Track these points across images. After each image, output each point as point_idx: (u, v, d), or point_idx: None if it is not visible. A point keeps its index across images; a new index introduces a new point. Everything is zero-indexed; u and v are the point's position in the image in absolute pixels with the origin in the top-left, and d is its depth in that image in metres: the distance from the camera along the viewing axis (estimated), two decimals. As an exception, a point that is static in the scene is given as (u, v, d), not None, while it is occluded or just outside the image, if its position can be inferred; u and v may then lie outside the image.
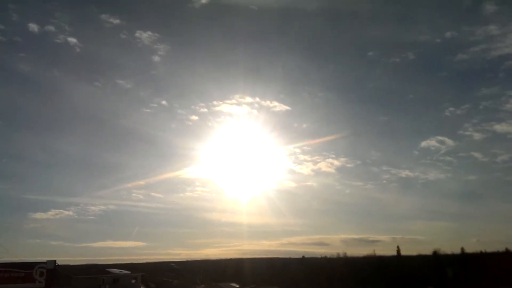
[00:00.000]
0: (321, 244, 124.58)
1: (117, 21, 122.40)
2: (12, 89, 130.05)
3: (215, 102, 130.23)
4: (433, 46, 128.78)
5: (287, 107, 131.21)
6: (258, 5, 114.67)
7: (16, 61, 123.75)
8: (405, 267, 69.96)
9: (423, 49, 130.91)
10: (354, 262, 77.78)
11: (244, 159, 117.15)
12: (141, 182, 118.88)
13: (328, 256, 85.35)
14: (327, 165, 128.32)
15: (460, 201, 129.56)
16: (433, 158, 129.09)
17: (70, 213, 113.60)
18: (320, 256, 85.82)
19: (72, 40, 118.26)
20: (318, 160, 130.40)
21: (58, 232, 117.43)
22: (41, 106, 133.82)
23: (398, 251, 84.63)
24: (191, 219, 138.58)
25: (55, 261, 44.47)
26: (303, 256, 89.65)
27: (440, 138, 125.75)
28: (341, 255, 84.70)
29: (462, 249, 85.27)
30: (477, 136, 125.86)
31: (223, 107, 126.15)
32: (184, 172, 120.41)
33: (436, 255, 79.54)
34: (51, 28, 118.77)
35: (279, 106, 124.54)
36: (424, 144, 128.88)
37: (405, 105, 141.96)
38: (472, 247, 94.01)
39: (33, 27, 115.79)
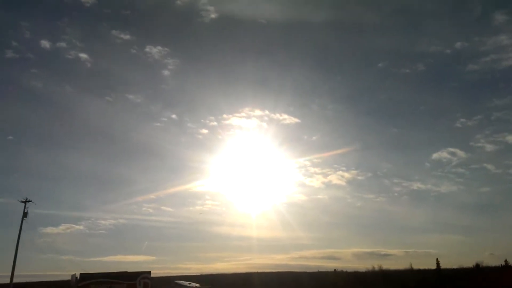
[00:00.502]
0: (332, 258, 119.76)
1: (127, 37, 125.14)
2: (24, 105, 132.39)
3: (224, 116, 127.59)
4: (443, 57, 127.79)
5: (296, 120, 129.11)
6: (266, 18, 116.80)
7: (28, 77, 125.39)
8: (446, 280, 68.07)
9: (433, 60, 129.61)
10: (390, 275, 76.00)
11: (254, 172, 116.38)
12: (152, 196, 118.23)
13: (360, 270, 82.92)
14: (338, 177, 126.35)
15: (473, 214, 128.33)
16: (445, 170, 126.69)
17: (81, 227, 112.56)
18: (332, 270, 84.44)
19: (83, 55, 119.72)
20: (329, 173, 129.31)
21: (69, 247, 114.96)
22: (53, 122, 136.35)
23: (438, 263, 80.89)
24: (201, 233, 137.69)
25: (150, 272, 42.48)
26: (335, 270, 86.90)
27: (451, 149, 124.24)
28: (376, 268, 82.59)
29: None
30: (489, 147, 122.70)
31: (233, 120, 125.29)
32: (194, 186, 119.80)
33: (479, 268, 77.07)
34: (62, 44, 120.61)
35: (288, 119, 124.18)
36: (435, 156, 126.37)
37: (416, 116, 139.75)
38: (486, 260, 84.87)
39: (45, 43, 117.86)
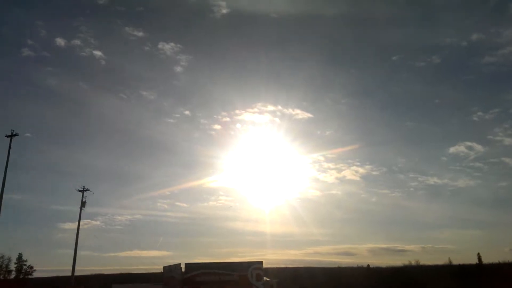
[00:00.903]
0: (347, 253, 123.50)
1: (140, 34, 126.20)
2: (40, 102, 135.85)
3: (237, 111, 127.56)
4: (459, 49, 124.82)
5: (309, 115, 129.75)
6: (278, 13, 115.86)
7: (44, 75, 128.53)
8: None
9: (448, 52, 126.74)
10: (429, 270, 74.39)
11: (267, 167, 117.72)
12: (166, 192, 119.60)
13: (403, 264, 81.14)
14: (352, 173, 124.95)
15: (491, 209, 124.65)
16: (462, 164, 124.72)
17: (98, 223, 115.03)
18: (346, 266, 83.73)
19: (98, 53, 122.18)
20: (343, 168, 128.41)
21: (86, 242, 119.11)
22: (68, 119, 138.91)
23: (479, 258, 79.92)
24: (214, 228, 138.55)
25: (262, 262, 38.77)
26: (368, 265, 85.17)
27: (469, 143, 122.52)
28: (416, 263, 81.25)
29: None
30: (508, 141, 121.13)
31: (245, 115, 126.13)
32: (208, 181, 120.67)
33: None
34: (77, 42, 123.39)
35: (301, 114, 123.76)
36: (452, 150, 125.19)
37: (431, 110, 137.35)
38: (506, 256, 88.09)
39: (60, 41, 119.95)
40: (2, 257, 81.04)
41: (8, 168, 34.20)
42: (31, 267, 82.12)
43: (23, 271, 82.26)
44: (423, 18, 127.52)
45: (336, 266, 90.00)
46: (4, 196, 34.12)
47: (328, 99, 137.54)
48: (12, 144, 34.89)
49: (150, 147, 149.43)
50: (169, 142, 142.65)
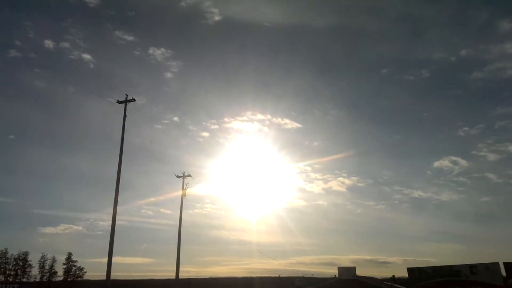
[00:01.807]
0: (331, 264, 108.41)
1: (131, 38, 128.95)
2: (26, 104, 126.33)
3: (226, 119, 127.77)
4: (448, 64, 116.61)
5: (298, 125, 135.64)
6: (270, 22, 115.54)
7: (31, 77, 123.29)
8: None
9: (437, 67, 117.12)
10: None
11: (254, 176, 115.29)
12: (152, 199, 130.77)
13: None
14: (338, 183, 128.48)
15: (474, 223, 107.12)
16: (446, 178, 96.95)
17: (80, 228, 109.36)
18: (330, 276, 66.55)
19: (86, 56, 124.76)
20: (329, 179, 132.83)
21: (67, 247, 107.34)
22: (54, 122, 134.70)
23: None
24: (199, 237, 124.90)
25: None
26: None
27: (453, 158, 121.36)
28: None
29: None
30: (491, 156, 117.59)
31: (234, 123, 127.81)
32: (194, 189, 46.99)
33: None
34: (66, 44, 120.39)
35: (290, 124, 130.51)
36: (437, 164, 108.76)
37: (418, 123, 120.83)
38: None
39: (49, 43, 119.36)
40: (44, 257, 76.64)
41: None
42: (82, 269, 77.45)
43: (72, 273, 76.48)
44: (413, 33, 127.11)
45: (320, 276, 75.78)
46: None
47: (316, 110, 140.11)
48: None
49: (137, 153, 72.98)
50: (157, 149, 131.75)
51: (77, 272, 77.54)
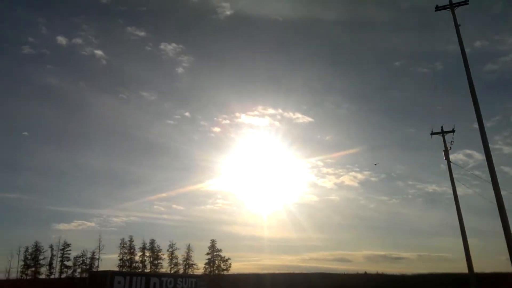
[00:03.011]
0: (343, 260, 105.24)
1: (142, 34, 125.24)
2: (39, 101, 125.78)
3: (237, 114, 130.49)
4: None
5: (310, 119, 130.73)
6: (281, 15, 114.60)
7: (44, 73, 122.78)
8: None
9: (451, 59, 74.19)
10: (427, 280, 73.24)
11: (266, 171, 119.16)
12: (163, 194, 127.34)
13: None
14: (351, 178, 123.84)
15: (489, 218, 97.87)
16: (461, 172, 63.46)
17: (93, 224, 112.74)
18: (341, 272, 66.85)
19: (99, 52, 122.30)
20: (341, 173, 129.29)
21: (80, 243, 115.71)
22: (67, 118, 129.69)
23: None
24: (211, 232, 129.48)
25: None
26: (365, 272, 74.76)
27: (468, 151, 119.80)
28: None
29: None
30: (507, 149, 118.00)
31: (245, 118, 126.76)
32: (206, 185, 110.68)
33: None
34: (78, 40, 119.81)
35: (301, 118, 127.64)
36: (451, 157, 66.89)
37: (432, 116, 64.30)
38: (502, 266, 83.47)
39: (61, 40, 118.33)
40: (172, 246, 74.03)
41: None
42: (227, 260, 73.68)
43: (216, 265, 72.55)
44: (424, 25, 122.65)
45: (333, 272, 78.54)
46: None
47: (328, 103, 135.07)
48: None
49: (149, 149, 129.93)
50: (168, 144, 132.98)
51: (221, 265, 70.60)
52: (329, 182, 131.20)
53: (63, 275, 71.53)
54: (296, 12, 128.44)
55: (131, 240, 73.00)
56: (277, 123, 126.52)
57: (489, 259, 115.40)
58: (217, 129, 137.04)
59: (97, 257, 71.16)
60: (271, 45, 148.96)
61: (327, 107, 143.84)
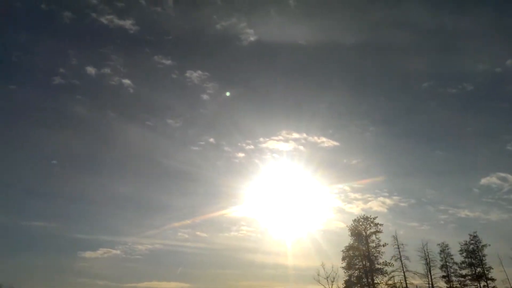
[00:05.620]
0: None
1: (168, 62, 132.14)
2: (68, 130, 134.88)
3: (261, 139, 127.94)
4: (493, 76, 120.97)
5: (335, 143, 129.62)
6: (305, 40, 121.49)
7: (74, 103, 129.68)
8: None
9: (482, 79, 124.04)
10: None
11: (291, 197, 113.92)
12: (187, 221, 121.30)
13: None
14: (379, 204, 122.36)
15: None
16: (495, 196, 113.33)
17: (118, 252, 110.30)
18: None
19: (126, 81, 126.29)
20: (370, 199, 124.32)
21: (105, 271, 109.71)
22: (95, 146, 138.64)
23: None
24: (235, 260, 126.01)
25: None
26: None
27: (502, 174, 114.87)
28: None
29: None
30: None
31: (270, 143, 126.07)
32: (230, 211, 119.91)
33: None
34: (107, 70, 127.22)
35: (327, 142, 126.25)
36: (484, 181, 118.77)
37: (463, 139, 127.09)
38: None
39: (90, 70, 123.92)
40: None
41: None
42: None
43: None
44: (447, 46, 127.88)
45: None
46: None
47: (354, 126, 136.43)
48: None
49: (173, 176, 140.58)
50: (193, 171, 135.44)
51: None
52: (356, 208, 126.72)
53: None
54: (317, 37, 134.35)
55: None
56: (301, 147, 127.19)
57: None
58: (241, 155, 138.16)
59: None
60: (294, 69, 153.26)
61: (353, 131, 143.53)
